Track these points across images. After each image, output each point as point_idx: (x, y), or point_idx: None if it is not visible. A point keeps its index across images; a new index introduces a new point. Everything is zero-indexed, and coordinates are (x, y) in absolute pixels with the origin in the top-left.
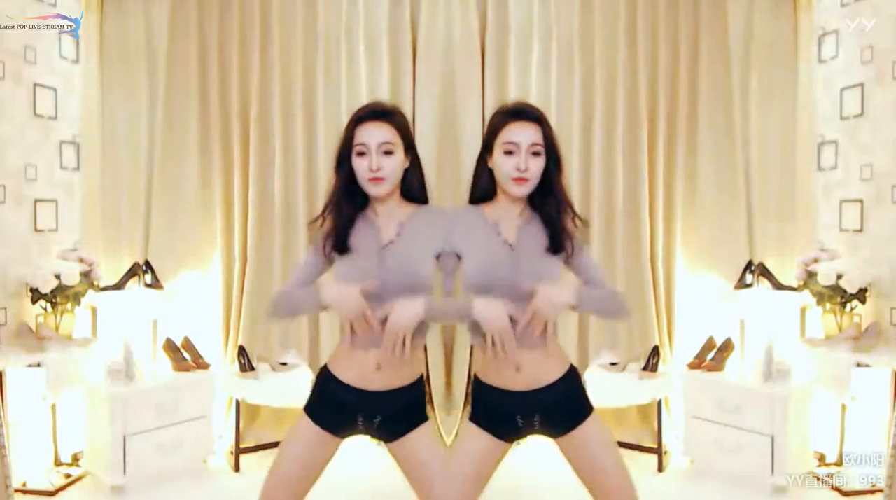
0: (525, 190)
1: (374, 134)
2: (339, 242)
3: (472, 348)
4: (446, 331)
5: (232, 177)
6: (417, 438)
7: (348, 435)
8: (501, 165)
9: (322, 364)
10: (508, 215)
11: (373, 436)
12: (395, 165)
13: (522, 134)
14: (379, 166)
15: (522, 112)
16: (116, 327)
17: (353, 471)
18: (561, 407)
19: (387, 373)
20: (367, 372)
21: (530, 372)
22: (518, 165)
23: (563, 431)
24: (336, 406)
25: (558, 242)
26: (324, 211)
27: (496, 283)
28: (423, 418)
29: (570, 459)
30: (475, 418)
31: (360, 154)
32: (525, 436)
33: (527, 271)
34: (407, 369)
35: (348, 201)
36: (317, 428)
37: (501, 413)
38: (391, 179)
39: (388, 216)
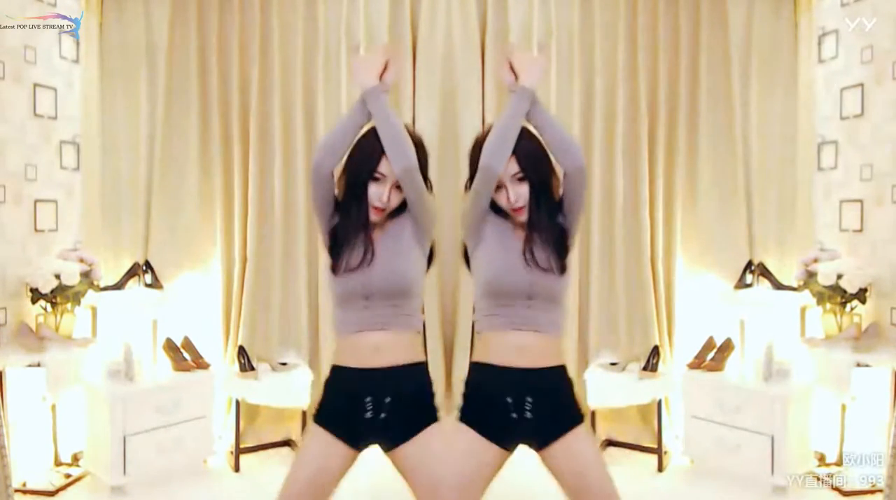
0: (525, 215)
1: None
2: (334, 261)
3: (472, 348)
4: (446, 328)
5: (232, 177)
6: (427, 442)
7: (359, 440)
8: (496, 198)
9: (322, 363)
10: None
11: (381, 436)
12: (402, 198)
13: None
14: (389, 199)
15: None
16: (116, 327)
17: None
18: (552, 393)
19: (385, 353)
20: (366, 354)
21: (532, 353)
22: (508, 198)
23: (552, 435)
24: (345, 397)
25: (562, 259)
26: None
27: (512, 284)
28: (433, 416)
29: (556, 472)
30: (465, 416)
31: (375, 179)
32: (516, 437)
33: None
34: (404, 347)
35: (357, 218)
36: (328, 436)
37: (493, 399)
38: (388, 211)
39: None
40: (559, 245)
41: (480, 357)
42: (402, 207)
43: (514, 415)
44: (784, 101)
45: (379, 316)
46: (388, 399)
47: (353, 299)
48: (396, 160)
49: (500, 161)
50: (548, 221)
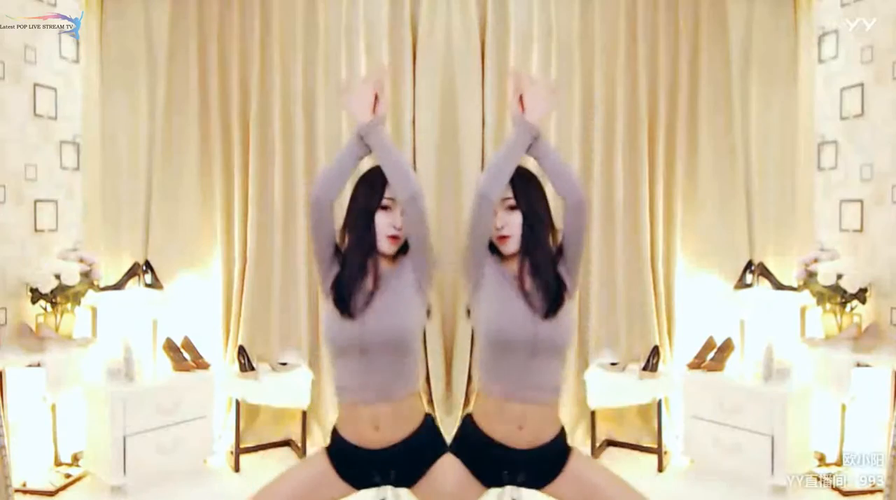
0: (509, 247)
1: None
2: (342, 298)
3: (472, 350)
4: (446, 331)
5: (232, 177)
6: (441, 472)
7: (367, 487)
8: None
9: (322, 363)
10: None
11: (394, 485)
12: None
13: None
14: (401, 224)
15: None
16: (116, 327)
17: None
18: (546, 464)
19: (385, 432)
20: (365, 432)
21: (533, 430)
22: (496, 223)
23: (545, 482)
24: (350, 464)
25: (554, 302)
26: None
27: (514, 335)
28: (441, 451)
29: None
30: (458, 452)
31: (385, 208)
32: (503, 486)
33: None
34: (404, 418)
35: (364, 257)
36: (332, 472)
37: (488, 464)
38: (403, 238)
39: (382, 262)
40: (554, 286)
41: (480, 421)
42: (403, 250)
43: (506, 478)
44: (784, 101)
45: (375, 380)
46: (392, 472)
47: (349, 353)
48: (402, 188)
49: (496, 189)
50: (542, 258)
